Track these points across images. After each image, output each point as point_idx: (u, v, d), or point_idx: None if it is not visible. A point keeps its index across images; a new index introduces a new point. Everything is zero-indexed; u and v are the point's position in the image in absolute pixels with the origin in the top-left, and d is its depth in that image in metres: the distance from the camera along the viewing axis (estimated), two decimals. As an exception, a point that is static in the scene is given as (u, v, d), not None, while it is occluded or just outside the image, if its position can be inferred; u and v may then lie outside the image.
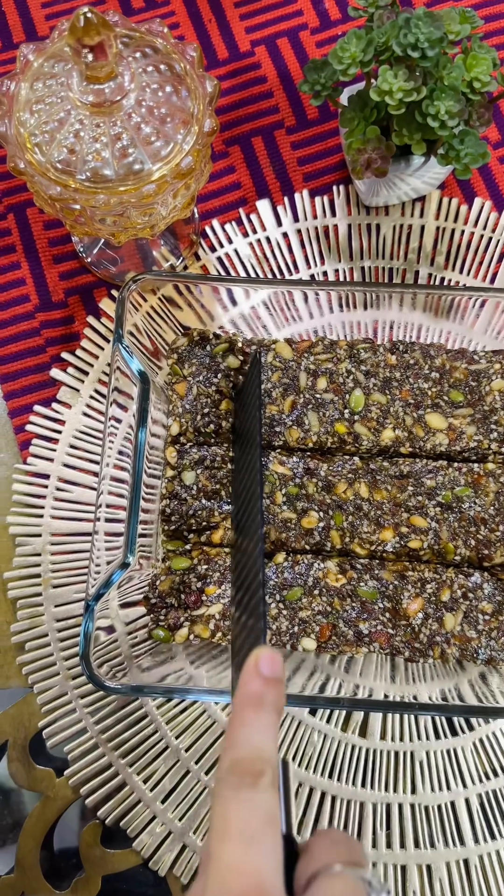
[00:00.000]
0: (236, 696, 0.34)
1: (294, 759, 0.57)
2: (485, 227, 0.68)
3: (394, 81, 0.52)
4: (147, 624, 0.55)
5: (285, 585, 0.55)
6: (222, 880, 0.27)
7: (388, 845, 0.55)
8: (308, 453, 0.58)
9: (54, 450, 0.63)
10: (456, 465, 0.58)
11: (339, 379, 0.59)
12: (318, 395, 0.59)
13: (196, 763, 0.57)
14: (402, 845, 0.55)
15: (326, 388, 0.59)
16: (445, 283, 0.67)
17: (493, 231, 0.68)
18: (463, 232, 0.68)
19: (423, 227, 0.68)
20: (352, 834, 0.55)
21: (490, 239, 0.68)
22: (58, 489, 0.62)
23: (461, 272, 0.67)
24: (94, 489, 0.62)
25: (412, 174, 0.62)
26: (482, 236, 0.68)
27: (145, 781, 0.57)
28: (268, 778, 0.30)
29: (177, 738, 0.57)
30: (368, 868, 0.32)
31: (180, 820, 0.56)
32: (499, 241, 0.67)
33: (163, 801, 0.56)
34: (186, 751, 0.57)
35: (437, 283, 0.67)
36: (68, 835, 0.57)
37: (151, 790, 0.56)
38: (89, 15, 0.44)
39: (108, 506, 0.54)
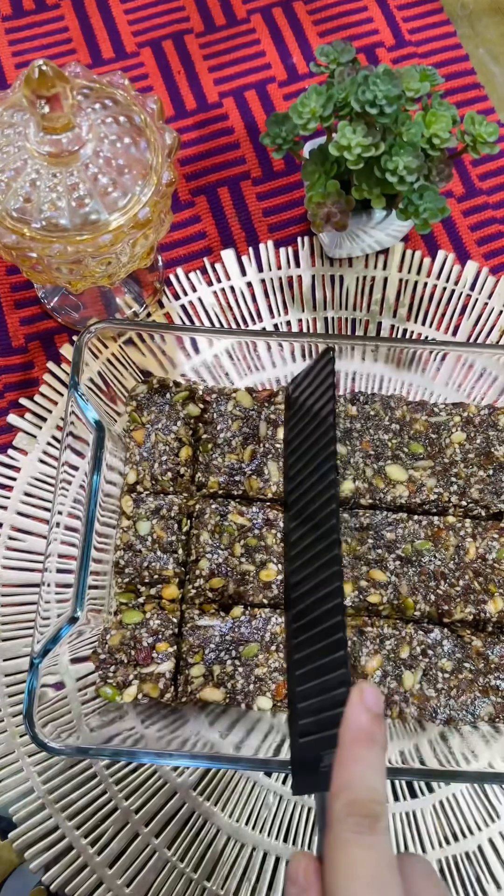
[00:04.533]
0: (347, 731, 0.33)
1: (248, 822, 0.55)
2: (448, 280, 0.68)
3: (352, 137, 0.53)
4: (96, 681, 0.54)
5: (241, 641, 0.54)
6: None
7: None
8: (268, 504, 0.57)
9: (8, 497, 0.62)
10: (416, 517, 0.57)
11: (298, 429, 0.58)
12: (278, 445, 0.58)
13: (146, 826, 0.55)
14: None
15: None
16: (408, 334, 0.67)
17: (456, 284, 0.68)
18: (426, 284, 0.68)
19: (386, 279, 0.68)
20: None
21: (452, 291, 0.68)
22: (10, 538, 0.61)
23: (423, 324, 0.67)
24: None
25: (374, 227, 0.63)
26: (445, 289, 0.68)
27: (93, 845, 0.54)
28: (384, 822, 0.30)
29: (126, 799, 0.55)
30: None
31: (128, 887, 0.54)
32: (461, 293, 0.68)
33: (110, 867, 0.54)
34: (136, 812, 0.55)
35: (400, 334, 0.67)
36: (11, 902, 0.55)
37: (99, 854, 0.54)
38: (44, 67, 0.44)
39: (61, 556, 0.52)
